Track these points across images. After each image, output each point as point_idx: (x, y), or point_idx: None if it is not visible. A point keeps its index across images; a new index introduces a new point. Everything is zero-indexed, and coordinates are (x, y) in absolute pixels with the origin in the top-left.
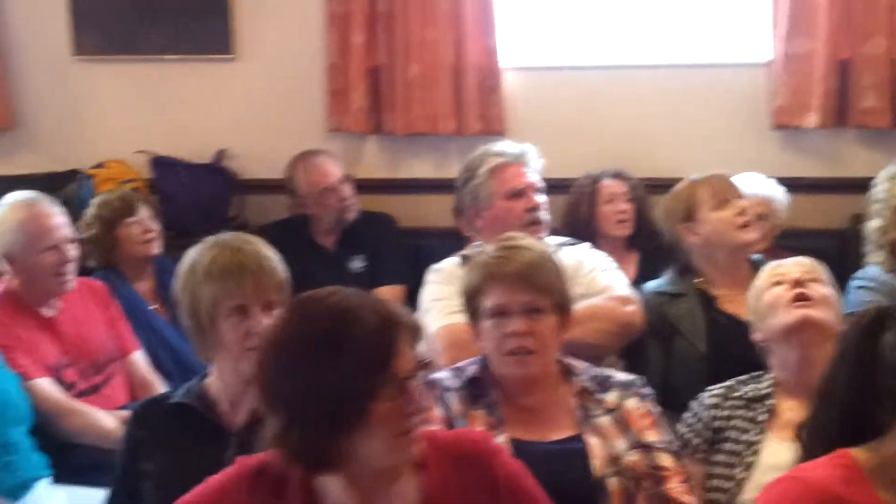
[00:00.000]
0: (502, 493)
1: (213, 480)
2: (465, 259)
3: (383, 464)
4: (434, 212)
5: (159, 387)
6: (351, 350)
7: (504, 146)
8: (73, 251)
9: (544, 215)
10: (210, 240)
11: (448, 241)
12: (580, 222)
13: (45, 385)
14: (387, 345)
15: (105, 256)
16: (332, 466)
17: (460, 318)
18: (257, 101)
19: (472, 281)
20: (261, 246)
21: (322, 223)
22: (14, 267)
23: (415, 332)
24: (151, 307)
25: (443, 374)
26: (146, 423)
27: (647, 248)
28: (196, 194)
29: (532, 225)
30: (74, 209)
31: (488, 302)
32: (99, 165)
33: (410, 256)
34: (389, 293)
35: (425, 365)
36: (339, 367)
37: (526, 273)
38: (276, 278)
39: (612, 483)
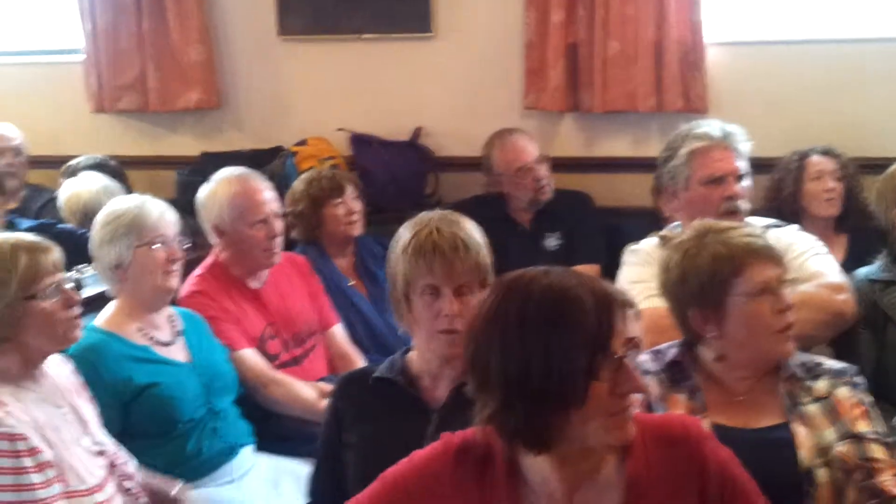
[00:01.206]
0: (711, 480)
1: (419, 455)
2: (664, 240)
3: (597, 443)
4: (631, 191)
5: (358, 360)
6: (571, 328)
7: (709, 127)
8: (280, 226)
9: (743, 204)
10: (420, 216)
11: (644, 221)
12: (784, 201)
13: (251, 356)
14: (605, 323)
15: (309, 232)
16: (546, 445)
17: (659, 302)
18: (455, 79)
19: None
20: (462, 228)
21: (517, 201)
22: (223, 240)
23: (630, 310)
24: (350, 283)
25: (642, 357)
26: (350, 395)
27: (857, 231)
28: (393, 171)
29: (728, 214)
30: (278, 185)
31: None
32: (301, 143)
33: (606, 235)
34: (584, 272)
35: (638, 344)
36: (559, 346)
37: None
38: (471, 262)
39: (821, 475)
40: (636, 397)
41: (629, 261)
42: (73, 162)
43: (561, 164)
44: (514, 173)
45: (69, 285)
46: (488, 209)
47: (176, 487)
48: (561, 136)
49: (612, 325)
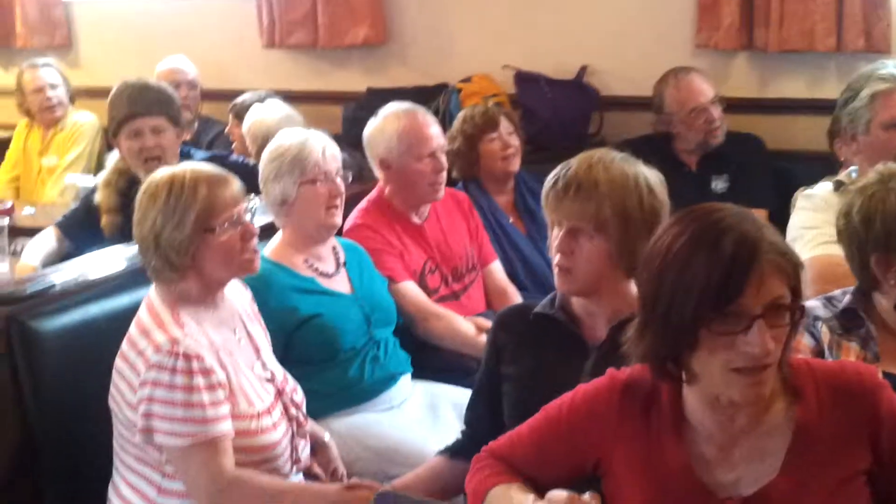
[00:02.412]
0: (885, 431)
1: (584, 388)
2: (839, 185)
3: (721, 395)
4: (805, 134)
5: (515, 297)
6: (694, 273)
7: (894, 69)
8: (444, 161)
9: None
10: (583, 154)
11: (817, 166)
12: None
13: (411, 288)
14: (737, 276)
15: (467, 169)
16: (676, 379)
17: (832, 249)
18: (623, 16)
19: None
20: (605, 169)
21: (686, 142)
22: (389, 174)
23: (784, 269)
24: (510, 220)
25: (813, 303)
26: (510, 329)
27: None
28: (557, 110)
29: None
30: (442, 122)
31: None
32: (466, 80)
33: (776, 179)
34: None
35: (790, 307)
36: (679, 285)
37: None
38: (584, 206)
39: None
40: (768, 359)
41: (802, 206)
42: (238, 99)
43: (732, 105)
44: (687, 114)
45: (247, 216)
46: (654, 150)
47: (327, 435)
48: (733, 76)
49: (742, 281)
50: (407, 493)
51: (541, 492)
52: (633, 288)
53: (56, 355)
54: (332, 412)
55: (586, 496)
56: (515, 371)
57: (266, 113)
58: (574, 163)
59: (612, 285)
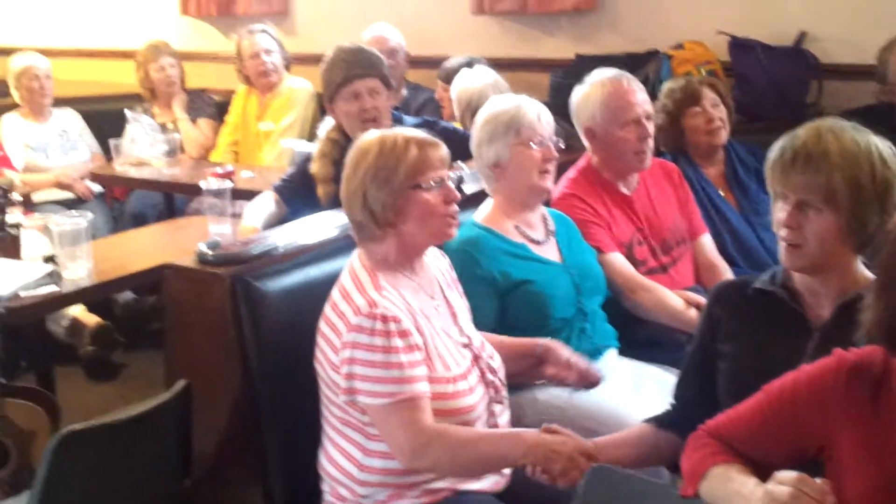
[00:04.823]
0: None
1: (808, 369)
2: None
3: None
4: None
5: (726, 272)
6: None
7: None
8: (651, 128)
9: None
10: (811, 124)
11: None
12: None
13: (619, 259)
14: None
15: (673, 143)
16: None
17: None
18: None
19: None
20: (831, 140)
21: None
22: (595, 143)
23: None
24: (720, 193)
25: None
26: (726, 303)
27: None
28: (773, 78)
29: None
30: (652, 89)
31: None
32: (678, 46)
33: None
34: None
35: None
36: None
37: None
38: (813, 178)
39: None
40: None
41: None
42: (446, 63)
43: None
44: None
45: (450, 182)
46: (875, 121)
47: (597, 368)
48: None
49: None
50: (618, 467)
51: (759, 474)
52: (860, 266)
53: (279, 316)
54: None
55: (818, 480)
56: (732, 348)
57: (472, 79)
58: (802, 132)
59: (840, 262)
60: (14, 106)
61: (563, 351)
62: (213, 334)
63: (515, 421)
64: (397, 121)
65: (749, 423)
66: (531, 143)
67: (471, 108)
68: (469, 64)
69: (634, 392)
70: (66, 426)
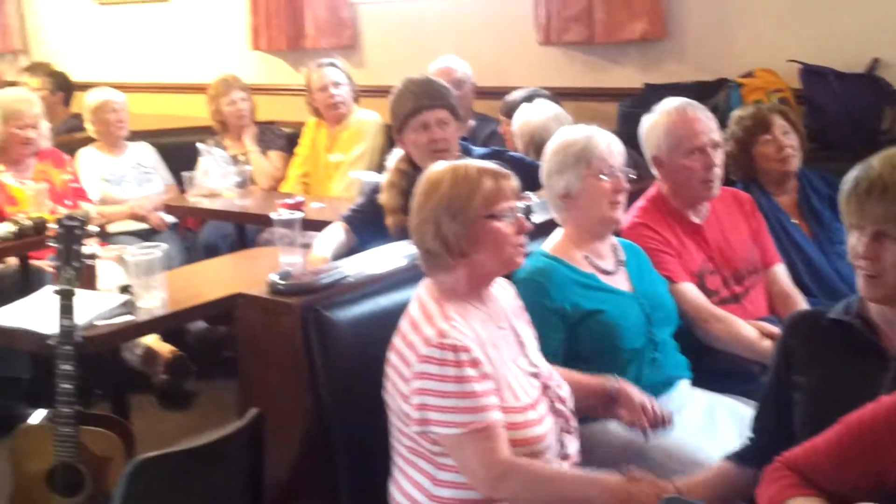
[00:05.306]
0: None
1: (887, 400)
2: None
3: None
4: None
5: (800, 302)
6: None
7: None
8: (718, 157)
9: None
10: (886, 152)
11: None
12: None
13: (691, 289)
14: None
15: (744, 171)
16: None
17: None
18: None
19: None
20: None
21: None
22: (662, 171)
23: None
24: (793, 221)
25: None
26: (802, 334)
27: None
28: (846, 106)
29: None
30: (722, 117)
31: None
32: (748, 74)
33: None
34: None
35: None
36: None
37: None
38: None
39: None
40: None
41: None
42: (507, 97)
43: None
44: None
45: (521, 213)
46: None
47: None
48: None
49: None
50: (695, 498)
51: None
52: None
53: (348, 345)
54: None
55: None
56: (807, 380)
57: (534, 113)
58: (876, 162)
59: None
60: (90, 140)
61: (636, 393)
62: (284, 363)
63: (587, 452)
64: (465, 151)
65: (827, 454)
66: (602, 174)
67: (534, 142)
68: (529, 98)
69: (709, 424)
70: (141, 454)
